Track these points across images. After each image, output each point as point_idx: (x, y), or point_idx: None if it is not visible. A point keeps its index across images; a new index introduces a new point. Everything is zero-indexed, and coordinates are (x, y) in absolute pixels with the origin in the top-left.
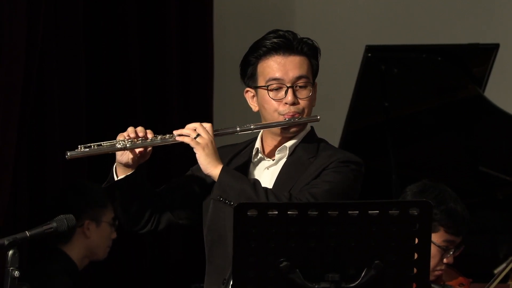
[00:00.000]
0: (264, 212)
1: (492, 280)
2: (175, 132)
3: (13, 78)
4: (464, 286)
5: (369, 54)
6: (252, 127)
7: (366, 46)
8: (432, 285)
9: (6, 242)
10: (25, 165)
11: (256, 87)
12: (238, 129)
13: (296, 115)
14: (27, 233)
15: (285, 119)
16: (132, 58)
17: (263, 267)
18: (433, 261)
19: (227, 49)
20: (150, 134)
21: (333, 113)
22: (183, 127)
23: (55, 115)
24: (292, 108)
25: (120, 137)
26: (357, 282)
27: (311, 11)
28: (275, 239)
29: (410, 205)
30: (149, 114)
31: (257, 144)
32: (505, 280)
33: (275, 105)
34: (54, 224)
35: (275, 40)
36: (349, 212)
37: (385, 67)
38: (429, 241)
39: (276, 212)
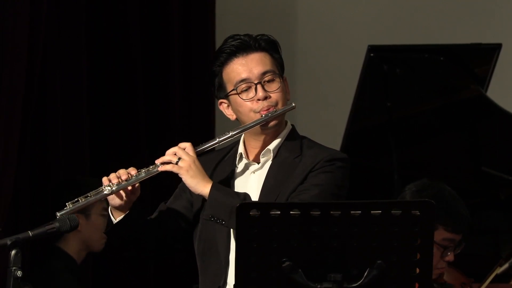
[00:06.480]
0: (266, 212)
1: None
2: (157, 161)
3: (15, 79)
4: (465, 286)
5: (372, 54)
6: (231, 133)
7: (369, 46)
8: (434, 284)
9: (8, 242)
10: (27, 166)
11: (227, 95)
12: (217, 140)
13: (271, 109)
14: (30, 233)
15: (261, 116)
16: (134, 59)
17: (265, 267)
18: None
19: None
20: (133, 171)
21: (335, 113)
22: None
23: (57, 116)
24: (266, 103)
25: (105, 181)
26: (359, 282)
27: (313, 11)
28: (277, 239)
29: (413, 205)
30: (151, 116)
31: (240, 148)
32: (506, 280)
33: (248, 105)
34: (56, 224)
35: (232, 43)
36: (351, 212)
37: (387, 67)
38: (431, 241)
39: (278, 212)
